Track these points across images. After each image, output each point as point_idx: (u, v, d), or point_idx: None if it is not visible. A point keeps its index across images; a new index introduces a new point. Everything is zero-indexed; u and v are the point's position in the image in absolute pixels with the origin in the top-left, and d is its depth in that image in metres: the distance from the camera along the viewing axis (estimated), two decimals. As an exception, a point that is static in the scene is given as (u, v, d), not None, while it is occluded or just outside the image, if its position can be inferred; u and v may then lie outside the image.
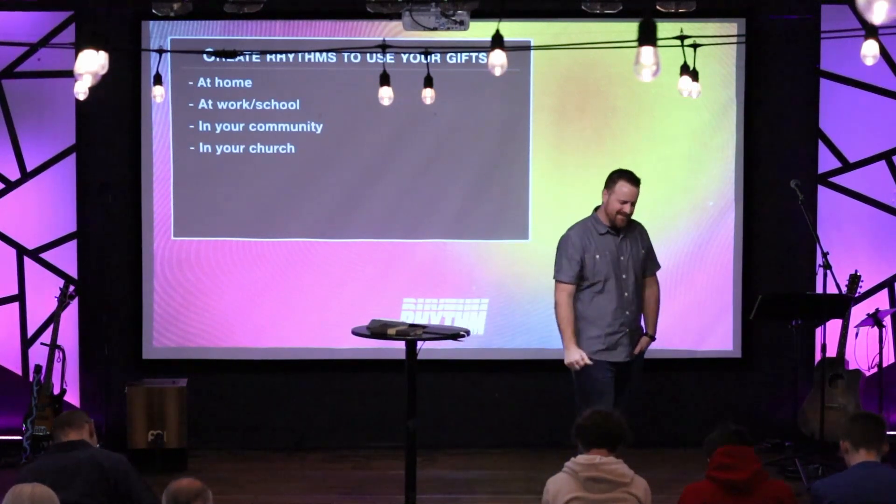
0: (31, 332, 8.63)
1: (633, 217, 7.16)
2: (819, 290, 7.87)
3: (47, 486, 4.35)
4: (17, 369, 8.64)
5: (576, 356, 6.96)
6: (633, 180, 7.00)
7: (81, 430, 5.38)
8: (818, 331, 8.39)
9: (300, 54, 8.44)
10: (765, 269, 8.67)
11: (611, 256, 7.02)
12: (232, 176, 8.60)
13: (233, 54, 7.42)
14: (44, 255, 8.62)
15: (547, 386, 8.58)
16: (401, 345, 6.91)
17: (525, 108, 8.58)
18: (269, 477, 7.95)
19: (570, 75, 8.58)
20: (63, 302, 8.26)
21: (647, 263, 7.21)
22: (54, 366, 8.17)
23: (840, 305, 7.95)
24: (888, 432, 4.97)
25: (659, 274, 7.44)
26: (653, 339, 7.26)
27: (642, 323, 7.26)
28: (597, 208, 7.15)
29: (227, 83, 8.57)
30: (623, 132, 8.60)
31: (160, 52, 7.77)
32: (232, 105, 8.56)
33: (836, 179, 8.69)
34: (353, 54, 8.44)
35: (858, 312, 8.17)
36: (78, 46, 4.87)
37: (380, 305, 8.34)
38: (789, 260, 8.69)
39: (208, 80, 8.56)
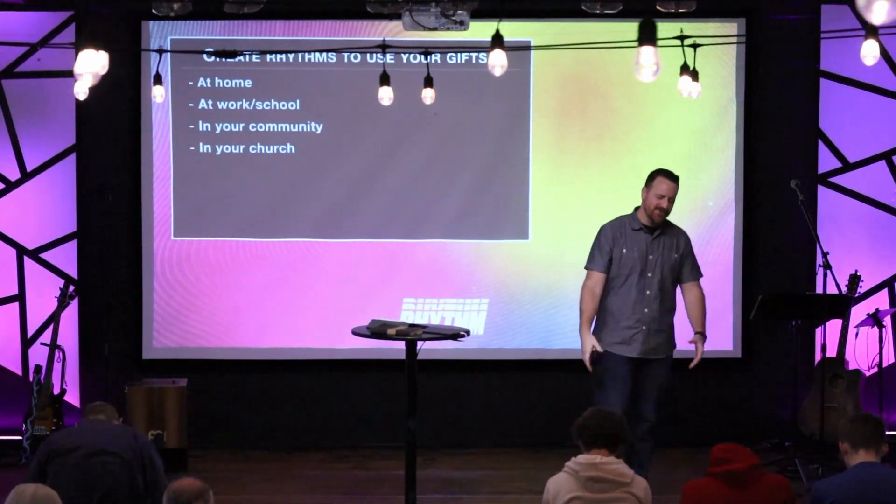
0: (31, 332, 8.64)
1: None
2: (819, 290, 7.86)
3: (50, 488, 4.36)
4: (17, 369, 8.65)
5: (588, 344, 6.99)
6: (672, 177, 7.08)
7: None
8: (818, 331, 8.38)
9: (300, 54, 8.44)
10: (765, 269, 8.67)
11: (639, 252, 7.06)
12: (232, 176, 8.60)
13: (233, 54, 7.42)
14: (44, 255, 8.62)
15: (547, 386, 8.59)
16: (401, 345, 6.91)
17: (525, 108, 8.58)
18: (269, 477, 7.95)
19: (570, 75, 8.57)
20: (63, 302, 8.26)
21: (685, 269, 7.20)
22: (54, 366, 8.17)
23: (840, 305, 7.95)
24: (888, 432, 4.98)
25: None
26: (704, 336, 7.19)
27: (689, 324, 7.19)
28: (637, 208, 7.18)
29: (227, 83, 8.57)
30: (623, 132, 8.60)
31: (160, 52, 7.76)
32: (232, 105, 8.56)
33: (836, 179, 8.69)
34: (353, 54, 8.44)
35: (858, 312, 8.17)
36: (78, 46, 4.88)
37: (380, 305, 8.34)
38: (789, 260, 8.69)
39: (208, 80, 8.56)
